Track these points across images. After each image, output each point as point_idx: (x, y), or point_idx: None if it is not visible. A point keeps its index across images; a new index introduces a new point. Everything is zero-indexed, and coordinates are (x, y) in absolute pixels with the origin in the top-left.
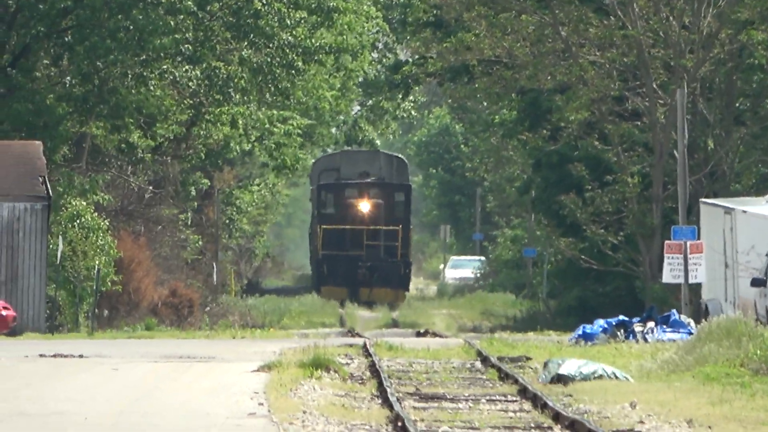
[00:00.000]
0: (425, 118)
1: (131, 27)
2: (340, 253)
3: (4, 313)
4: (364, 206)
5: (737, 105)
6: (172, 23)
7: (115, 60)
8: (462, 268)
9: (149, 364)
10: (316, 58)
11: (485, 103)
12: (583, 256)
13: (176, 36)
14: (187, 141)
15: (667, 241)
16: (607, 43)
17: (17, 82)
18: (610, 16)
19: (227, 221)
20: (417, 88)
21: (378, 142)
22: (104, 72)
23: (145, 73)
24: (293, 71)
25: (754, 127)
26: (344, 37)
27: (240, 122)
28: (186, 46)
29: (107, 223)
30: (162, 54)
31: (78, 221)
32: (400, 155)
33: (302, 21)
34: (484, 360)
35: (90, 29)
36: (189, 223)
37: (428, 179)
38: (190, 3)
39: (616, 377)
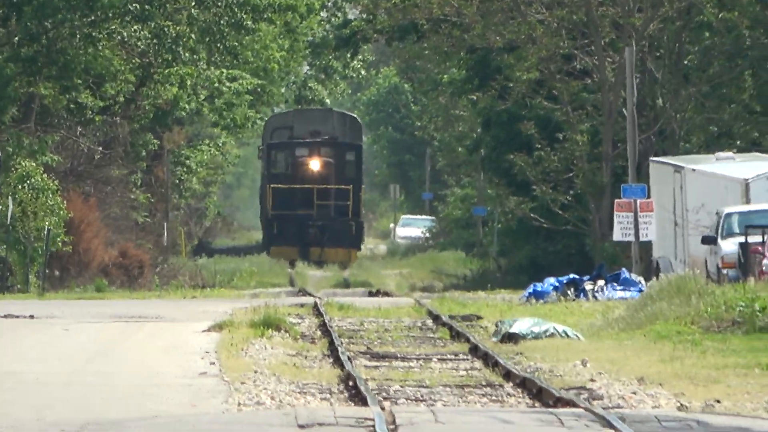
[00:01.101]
0: (374, 78)
1: None
2: (290, 213)
3: None
4: (315, 165)
5: (686, 63)
6: None
7: (64, 19)
8: (412, 227)
9: (100, 324)
10: (265, 16)
11: (434, 62)
12: (533, 215)
13: None
14: (136, 101)
15: (617, 200)
16: (555, 1)
17: None
18: None
19: (177, 181)
20: (366, 47)
21: (328, 101)
22: (53, 32)
23: (93, 33)
24: (242, 30)
25: (703, 85)
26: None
27: (188, 82)
28: (134, 5)
29: (57, 184)
30: (110, 14)
31: (28, 182)
32: (353, 114)
33: None
34: (435, 319)
35: None
36: (139, 183)
37: (378, 138)
38: None
39: (567, 336)
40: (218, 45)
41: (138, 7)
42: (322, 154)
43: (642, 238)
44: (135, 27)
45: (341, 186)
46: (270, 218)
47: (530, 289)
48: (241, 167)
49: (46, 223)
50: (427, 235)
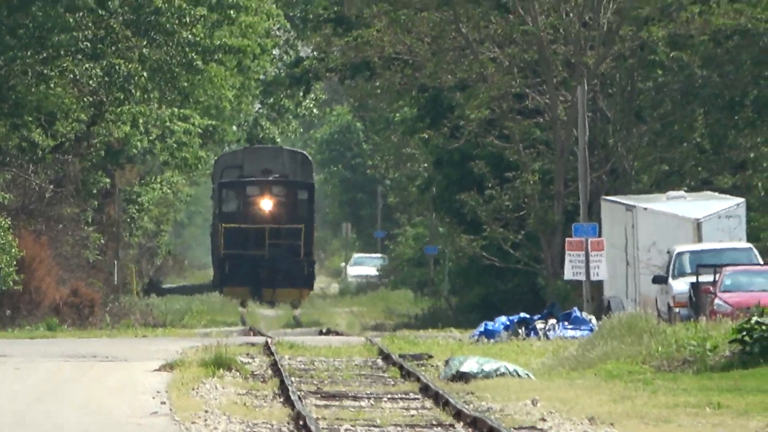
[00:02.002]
0: (326, 116)
1: (30, 24)
2: (242, 252)
3: None
4: (266, 204)
5: (638, 102)
6: (71, 20)
7: (15, 57)
8: (364, 266)
9: (51, 363)
10: (216, 57)
11: (386, 101)
12: (484, 254)
13: (75, 33)
14: (88, 139)
15: (568, 239)
16: (507, 39)
17: None
18: (510, 13)
19: (129, 220)
20: (318, 85)
21: (279, 140)
22: (4, 70)
23: (45, 71)
24: (193, 70)
25: (655, 124)
26: (246, 39)
27: (140, 121)
28: (86, 43)
29: (8, 222)
30: (62, 51)
31: None
32: (304, 152)
33: (202, 19)
34: (386, 358)
35: None
36: (90, 221)
37: (330, 177)
38: (89, 0)
39: (518, 375)
40: (169, 84)
41: (89, 45)
42: (274, 193)
43: (593, 277)
44: (87, 65)
45: (293, 225)
46: (222, 258)
47: (481, 328)
48: (193, 206)
49: None
50: (379, 273)
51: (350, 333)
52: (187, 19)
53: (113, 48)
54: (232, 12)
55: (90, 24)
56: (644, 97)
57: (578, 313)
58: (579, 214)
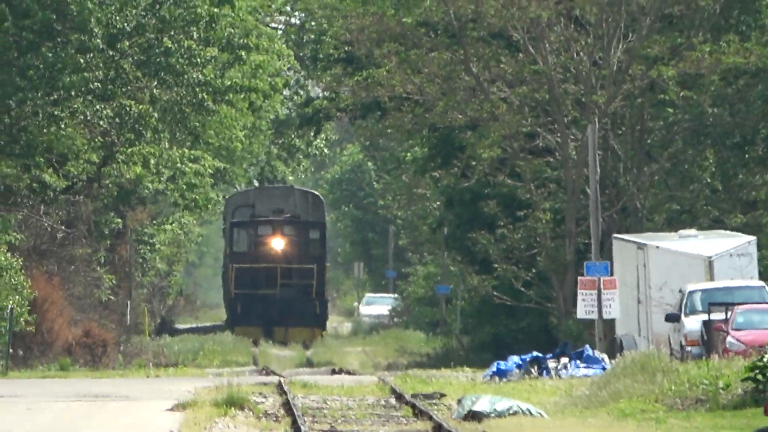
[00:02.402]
0: (337, 156)
1: (41, 65)
2: (254, 292)
3: None
4: (278, 244)
5: (648, 141)
6: (82, 61)
7: (26, 98)
8: (376, 305)
9: (64, 403)
10: (226, 98)
11: (397, 141)
12: (496, 293)
13: (86, 74)
14: (99, 180)
15: (580, 277)
16: (518, 79)
17: None
18: (520, 53)
19: (140, 260)
20: (328, 125)
21: (291, 179)
22: (14, 111)
23: (56, 112)
24: (204, 111)
25: (665, 163)
26: (256, 79)
27: (152, 161)
28: (96, 84)
29: (20, 263)
30: (72, 92)
31: None
32: (315, 192)
33: (212, 59)
34: (399, 397)
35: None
36: (102, 262)
37: (341, 217)
38: (99, 41)
39: (531, 413)
40: (180, 125)
41: (100, 86)
42: (285, 233)
43: (605, 316)
44: (97, 106)
45: (305, 265)
46: (233, 298)
47: (494, 368)
48: (203, 246)
49: (10, 302)
50: (391, 312)
51: (363, 372)
52: (198, 60)
53: (124, 89)
54: (242, 52)
55: (100, 65)
56: (655, 136)
57: (590, 352)
58: (590, 253)
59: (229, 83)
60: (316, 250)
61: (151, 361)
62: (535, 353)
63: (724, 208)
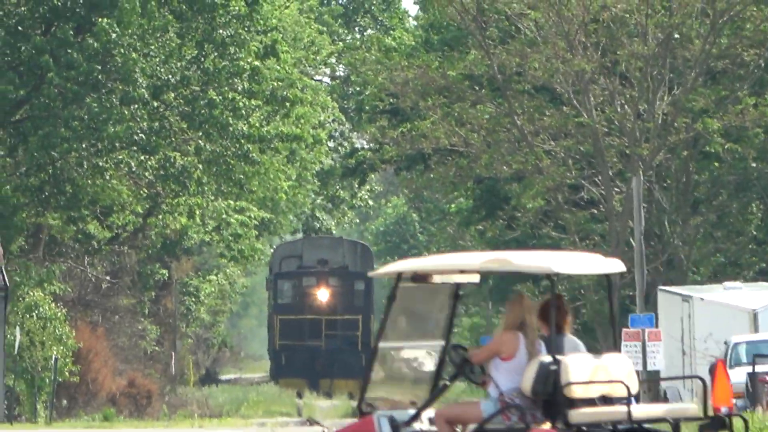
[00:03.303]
0: (382, 207)
1: (85, 116)
2: (299, 344)
3: None
4: (323, 295)
5: (693, 193)
6: (126, 112)
7: (69, 149)
8: None
9: None
10: (271, 146)
11: (441, 192)
12: None
13: (130, 125)
14: (143, 231)
15: (624, 329)
16: (562, 131)
17: None
18: (564, 106)
19: (185, 310)
20: (373, 176)
21: (335, 230)
22: (59, 162)
23: (100, 163)
24: (248, 161)
25: (711, 215)
26: (300, 128)
27: (197, 212)
28: (141, 135)
29: (64, 314)
30: (117, 144)
31: (35, 311)
32: (364, 243)
33: (257, 109)
34: None
35: (44, 119)
36: (147, 312)
37: None
38: (143, 91)
39: None
40: (225, 176)
41: (144, 137)
42: (330, 284)
43: (650, 368)
44: (142, 157)
45: (350, 316)
46: (278, 349)
47: None
48: (248, 296)
49: (54, 352)
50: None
51: None
52: (242, 112)
53: (168, 140)
54: (287, 105)
55: (145, 116)
56: (700, 188)
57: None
58: (635, 305)
59: (274, 132)
60: (361, 301)
61: (195, 412)
62: None
63: None
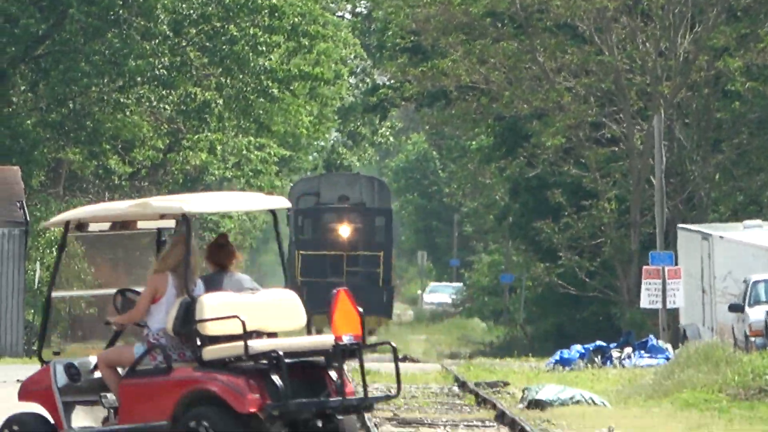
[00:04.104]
0: (402, 144)
1: (106, 51)
2: (319, 280)
3: None
4: (344, 231)
5: (714, 131)
6: (147, 47)
7: (90, 84)
8: (440, 294)
9: None
10: (291, 87)
11: (462, 129)
12: (560, 282)
13: (151, 60)
14: (164, 167)
15: (645, 267)
16: (583, 69)
17: None
18: (586, 43)
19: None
20: (394, 112)
21: (357, 166)
22: (80, 97)
23: (121, 99)
24: (269, 98)
25: (731, 153)
26: (321, 67)
27: (218, 148)
28: (162, 70)
29: (84, 250)
30: (138, 78)
31: (56, 247)
32: (381, 179)
33: (277, 46)
34: (462, 385)
35: (65, 54)
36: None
37: (405, 205)
38: (165, 27)
39: (594, 402)
40: (245, 113)
41: (165, 72)
42: (351, 220)
43: (669, 306)
44: (162, 92)
45: (371, 252)
46: (298, 286)
47: (557, 356)
48: (268, 232)
49: (74, 287)
50: (455, 301)
51: (426, 360)
52: (263, 48)
53: (189, 75)
54: (307, 40)
55: (166, 51)
56: (721, 127)
57: (654, 342)
58: (655, 243)
59: (294, 71)
60: (381, 237)
61: None
62: (598, 343)
63: None
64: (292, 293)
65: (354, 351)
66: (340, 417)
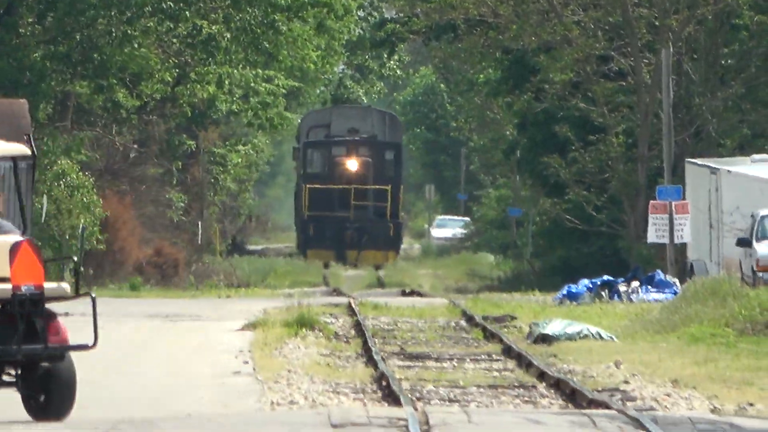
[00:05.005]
0: (410, 78)
1: None
2: (327, 214)
3: None
4: (352, 164)
5: (722, 66)
6: None
7: (97, 15)
8: (447, 228)
9: (135, 322)
10: (299, 14)
11: (470, 63)
12: (567, 216)
13: None
14: (172, 100)
15: (652, 201)
16: (591, 2)
17: (1, 38)
18: None
19: (212, 180)
20: (402, 46)
21: (365, 100)
22: (87, 30)
23: (128, 31)
24: (275, 31)
25: (739, 87)
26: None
27: (226, 82)
28: (168, 3)
29: (92, 182)
30: (145, 10)
31: (63, 180)
32: (392, 113)
33: None
34: (469, 319)
35: None
36: (174, 182)
37: (413, 139)
38: None
39: (601, 337)
40: (252, 45)
41: (172, 5)
42: (360, 154)
43: (677, 240)
44: (170, 25)
45: (380, 186)
46: (306, 220)
47: (564, 291)
48: (275, 165)
49: (81, 220)
50: (462, 235)
51: (433, 294)
52: None
53: (196, 8)
54: None
55: None
56: (729, 61)
57: (662, 276)
58: (662, 177)
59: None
60: (390, 171)
61: (222, 282)
62: (605, 277)
63: None
64: (6, 240)
65: (36, 301)
66: (45, 364)
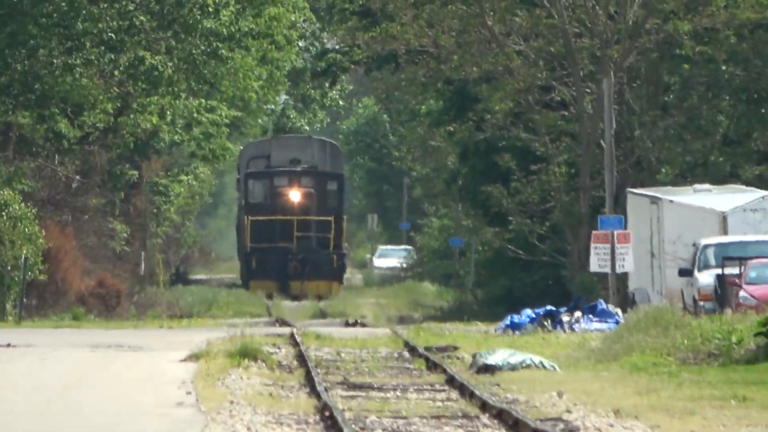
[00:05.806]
0: (353, 107)
1: (54, 14)
2: (270, 246)
3: None
4: (295, 195)
5: (664, 95)
6: (95, 11)
7: (38, 46)
8: (389, 258)
9: (77, 353)
10: (241, 43)
11: (411, 93)
12: (510, 246)
13: (99, 24)
14: (114, 130)
15: (594, 231)
16: (533, 32)
17: None
18: (535, 7)
19: (155, 210)
20: (344, 77)
21: (307, 130)
22: (29, 60)
23: (69, 61)
24: (218, 59)
25: (681, 117)
26: (271, 27)
27: (168, 112)
28: (110, 34)
29: (34, 212)
30: (86, 42)
31: (5, 210)
32: (333, 142)
33: (225, 5)
34: (412, 350)
35: (12, 16)
36: (117, 212)
37: (356, 168)
38: None
39: (544, 367)
40: (195, 75)
41: (114, 36)
42: (302, 184)
43: (619, 270)
44: (111, 56)
45: (322, 217)
46: (249, 251)
47: (507, 321)
48: (217, 196)
49: (24, 251)
50: (404, 264)
51: (376, 325)
52: (210, 9)
53: (137, 38)
54: (257, 2)
55: (115, 15)
56: (670, 90)
57: (604, 306)
58: (605, 207)
59: (244, 30)
60: (334, 202)
61: (164, 312)
62: (548, 307)
63: (738, 162)
64: None
65: None
66: None
